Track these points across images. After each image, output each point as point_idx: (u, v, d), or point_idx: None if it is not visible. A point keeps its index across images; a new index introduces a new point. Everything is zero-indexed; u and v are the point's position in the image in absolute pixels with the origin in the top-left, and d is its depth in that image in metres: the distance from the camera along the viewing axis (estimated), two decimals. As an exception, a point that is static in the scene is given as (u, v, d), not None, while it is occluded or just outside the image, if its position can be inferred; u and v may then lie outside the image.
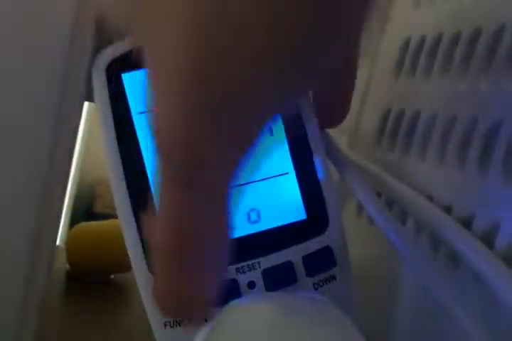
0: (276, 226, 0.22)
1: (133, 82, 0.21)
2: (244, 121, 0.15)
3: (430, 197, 0.23)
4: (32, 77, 0.22)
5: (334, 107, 0.23)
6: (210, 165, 0.15)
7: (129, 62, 0.21)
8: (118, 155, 0.21)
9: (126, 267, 0.22)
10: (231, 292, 0.21)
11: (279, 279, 0.21)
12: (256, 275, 0.21)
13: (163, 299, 0.18)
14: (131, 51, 0.21)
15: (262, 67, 0.14)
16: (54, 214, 0.24)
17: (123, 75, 0.21)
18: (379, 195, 0.27)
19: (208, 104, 0.14)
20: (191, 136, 0.14)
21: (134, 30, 0.15)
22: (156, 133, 0.15)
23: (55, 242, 0.25)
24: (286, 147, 0.22)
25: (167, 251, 0.17)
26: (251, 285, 0.21)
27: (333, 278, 0.22)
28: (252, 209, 0.22)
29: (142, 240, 0.21)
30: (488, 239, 0.20)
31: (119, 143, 0.21)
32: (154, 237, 0.17)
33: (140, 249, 0.21)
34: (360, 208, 0.30)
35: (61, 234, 0.43)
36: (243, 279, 0.21)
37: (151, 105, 0.15)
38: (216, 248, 0.17)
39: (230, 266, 0.21)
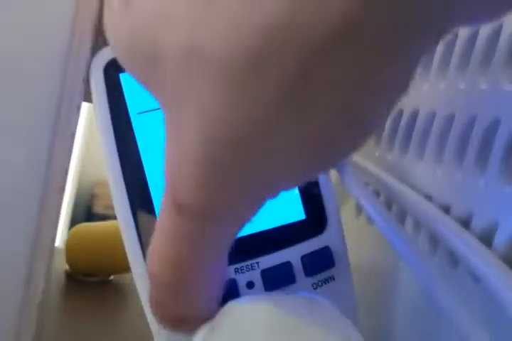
0: (275, 226, 0.22)
1: (131, 82, 0.21)
2: (261, 194, 0.15)
3: (429, 197, 0.23)
4: (30, 77, 0.22)
5: None
6: (220, 221, 0.15)
7: None
8: (116, 156, 0.21)
9: (126, 268, 0.22)
10: (230, 292, 0.21)
11: (277, 279, 0.21)
12: (255, 276, 0.21)
13: (160, 317, 0.18)
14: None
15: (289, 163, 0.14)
16: (53, 215, 0.23)
17: (121, 75, 0.21)
18: (378, 194, 0.27)
19: (232, 184, 0.14)
20: (209, 198, 0.14)
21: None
22: (171, 181, 0.15)
23: (54, 243, 0.25)
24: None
25: (159, 282, 0.16)
26: (250, 285, 0.21)
27: (332, 278, 0.22)
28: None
29: (141, 241, 0.21)
30: (486, 239, 0.20)
31: (117, 144, 0.21)
32: (151, 266, 0.17)
33: (139, 250, 0.21)
34: (359, 208, 0.30)
35: (60, 235, 0.43)
36: (242, 279, 0.21)
37: (168, 153, 0.15)
38: (211, 285, 0.17)
39: (229, 266, 0.21)
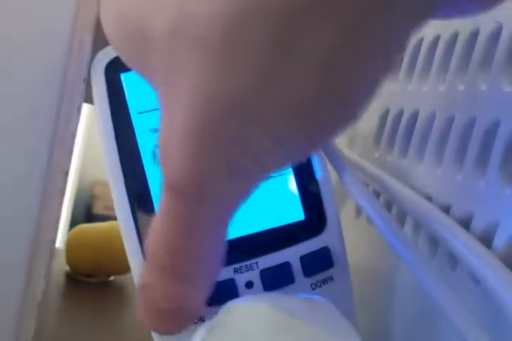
0: (274, 226, 0.22)
1: (132, 81, 0.22)
2: (253, 174, 0.15)
3: (429, 198, 0.23)
4: (31, 78, 0.22)
5: None
6: (211, 201, 0.15)
7: None
8: (117, 156, 0.21)
9: (125, 269, 0.22)
10: (229, 292, 0.21)
11: (276, 279, 0.21)
12: (254, 276, 0.21)
13: (148, 310, 0.17)
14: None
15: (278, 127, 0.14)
16: (53, 216, 0.23)
17: (122, 75, 0.22)
18: (378, 195, 0.27)
19: (221, 157, 0.14)
20: (198, 174, 0.14)
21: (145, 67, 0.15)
22: (163, 162, 0.15)
23: (55, 244, 0.25)
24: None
25: (156, 265, 0.17)
26: (249, 285, 0.21)
27: (331, 278, 0.22)
28: (250, 210, 0.22)
29: (141, 242, 0.21)
30: (486, 240, 0.20)
31: (117, 144, 0.21)
32: (148, 246, 0.17)
33: (139, 251, 0.21)
34: (358, 209, 0.30)
35: (60, 236, 0.43)
36: (241, 279, 0.21)
37: (160, 129, 0.15)
38: (205, 270, 0.17)
39: (228, 266, 0.21)
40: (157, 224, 0.16)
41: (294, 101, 0.13)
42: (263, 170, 0.15)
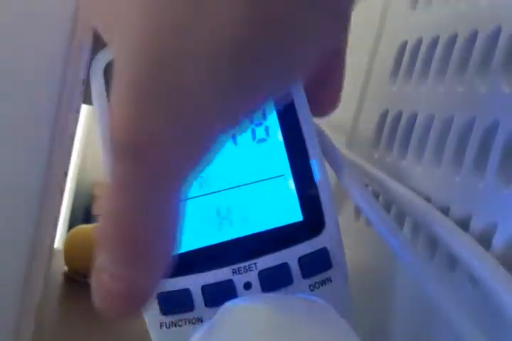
0: (272, 227, 0.22)
1: None
2: (196, 125, 0.14)
3: (428, 199, 0.23)
4: (30, 79, 0.22)
5: (325, 96, 0.23)
6: (155, 164, 0.14)
7: None
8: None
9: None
10: (227, 293, 0.21)
11: (275, 280, 0.21)
12: (252, 277, 0.21)
13: (101, 293, 0.15)
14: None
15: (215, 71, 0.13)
16: (52, 217, 0.24)
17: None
18: (377, 196, 0.27)
19: (156, 103, 0.13)
20: (140, 127, 0.13)
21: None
22: (111, 121, 0.14)
23: (53, 244, 0.25)
24: (283, 148, 0.22)
25: (105, 240, 0.15)
26: (247, 286, 0.21)
27: (329, 279, 0.22)
28: (249, 211, 0.22)
29: None
30: (485, 240, 0.20)
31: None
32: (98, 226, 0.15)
33: None
34: (358, 210, 0.30)
35: (59, 237, 0.43)
36: (239, 280, 0.21)
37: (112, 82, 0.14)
38: (158, 242, 0.15)
39: (227, 267, 0.21)
40: (104, 195, 0.15)
41: (219, 42, 0.13)
42: (207, 125, 0.14)
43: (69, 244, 0.43)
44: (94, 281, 0.15)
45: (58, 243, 0.44)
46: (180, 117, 0.13)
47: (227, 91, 0.13)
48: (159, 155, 0.14)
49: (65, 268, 0.43)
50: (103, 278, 0.15)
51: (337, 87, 0.22)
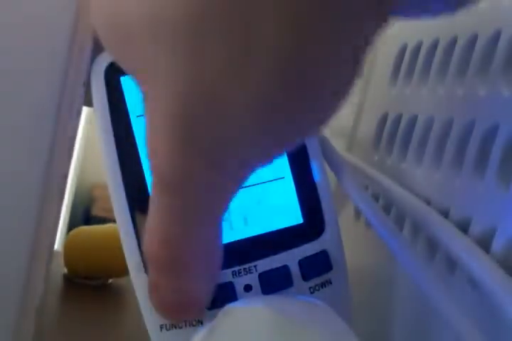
0: (272, 230, 0.22)
1: (131, 85, 0.22)
2: (232, 167, 0.15)
3: (427, 201, 0.23)
4: (30, 81, 0.22)
5: None
6: (197, 194, 0.15)
7: None
8: (116, 159, 0.21)
9: (124, 271, 0.22)
10: (228, 295, 0.21)
11: (275, 283, 0.21)
12: (252, 279, 0.21)
13: (159, 305, 0.18)
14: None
15: (253, 122, 0.14)
16: (52, 219, 0.24)
17: (122, 78, 0.22)
18: (376, 198, 0.27)
19: (197, 148, 0.14)
20: (180, 171, 0.15)
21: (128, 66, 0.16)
22: (151, 156, 0.15)
23: (53, 246, 0.25)
24: (283, 151, 0.22)
25: (156, 262, 0.17)
26: (247, 288, 0.21)
27: (329, 282, 0.22)
28: (249, 213, 0.22)
29: (140, 244, 0.21)
30: (484, 243, 0.20)
31: (117, 147, 0.21)
32: (145, 247, 0.17)
33: (138, 253, 0.21)
34: (358, 212, 0.30)
35: (59, 238, 0.43)
36: (240, 282, 0.21)
37: (147, 128, 0.15)
38: (205, 261, 0.17)
39: (227, 270, 0.21)
40: (151, 221, 0.16)
41: (259, 96, 0.13)
42: (243, 165, 0.15)
43: (69, 246, 0.43)
44: (150, 293, 0.18)
45: (58, 245, 0.44)
46: (220, 161, 0.15)
47: (267, 137, 0.15)
48: (203, 192, 0.15)
49: (65, 270, 0.43)
50: (159, 291, 0.17)
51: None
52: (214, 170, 0.15)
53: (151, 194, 0.16)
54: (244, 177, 0.16)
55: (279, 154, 0.17)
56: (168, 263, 0.17)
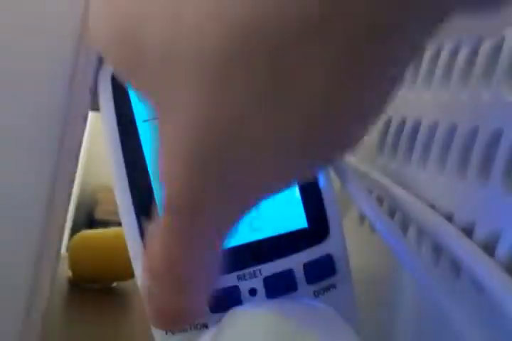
0: (277, 234, 0.22)
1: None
2: (246, 197, 0.15)
3: (431, 206, 0.23)
4: (37, 86, 0.22)
5: None
6: (206, 219, 0.15)
7: None
8: (122, 163, 0.21)
9: (129, 275, 0.22)
10: (232, 299, 0.21)
11: (280, 287, 0.21)
12: (257, 283, 0.21)
13: (157, 316, 0.18)
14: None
15: (270, 157, 0.14)
16: (59, 224, 0.24)
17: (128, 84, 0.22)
18: (381, 202, 0.27)
19: (210, 181, 0.14)
20: (192, 195, 0.14)
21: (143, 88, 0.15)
22: (162, 177, 0.15)
23: (60, 251, 0.25)
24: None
25: (156, 275, 0.17)
26: (252, 292, 0.21)
27: (333, 286, 0.22)
28: (254, 217, 0.22)
29: (145, 248, 0.21)
30: (489, 247, 0.20)
31: (123, 151, 0.21)
32: (147, 259, 0.17)
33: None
34: (362, 216, 0.30)
35: (63, 242, 0.43)
36: (244, 286, 0.21)
37: (161, 150, 0.15)
38: (205, 279, 0.17)
39: (232, 273, 0.21)
40: (157, 237, 0.16)
41: (288, 134, 0.13)
42: (262, 194, 0.15)
43: (73, 250, 0.43)
44: (147, 302, 0.18)
45: (62, 248, 0.44)
46: (231, 189, 0.14)
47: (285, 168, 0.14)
48: (212, 217, 0.15)
49: (69, 273, 0.43)
50: (156, 301, 0.17)
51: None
52: (228, 200, 0.15)
53: (161, 210, 0.16)
54: (255, 205, 0.15)
55: (295, 182, 0.16)
56: (167, 279, 0.17)
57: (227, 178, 0.14)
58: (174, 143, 0.14)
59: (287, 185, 0.16)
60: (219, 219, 0.15)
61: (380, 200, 0.27)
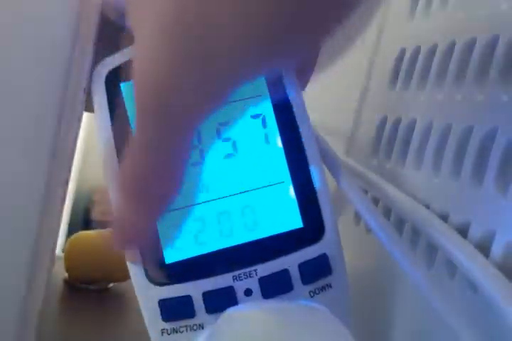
0: (272, 234, 0.22)
1: (132, 91, 0.22)
2: (217, 79, 0.15)
3: (426, 206, 0.23)
4: (32, 87, 0.22)
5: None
6: (176, 110, 0.16)
7: (127, 71, 0.21)
8: (116, 165, 0.21)
9: (125, 276, 0.22)
10: (228, 299, 0.21)
11: (275, 287, 0.21)
12: (253, 283, 0.21)
13: (119, 234, 0.19)
14: (130, 61, 0.21)
15: (247, 33, 0.14)
16: (54, 225, 0.24)
17: (122, 85, 0.22)
18: (376, 202, 0.27)
19: (184, 57, 0.15)
20: (163, 82, 0.15)
21: None
22: (135, 71, 0.16)
23: (55, 252, 0.25)
24: (283, 155, 0.22)
25: (124, 181, 0.18)
26: (248, 292, 0.21)
27: (329, 285, 0.22)
28: (249, 218, 0.22)
29: (143, 254, 0.21)
30: (484, 247, 0.20)
31: (117, 152, 0.21)
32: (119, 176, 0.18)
33: (140, 259, 0.21)
34: (357, 216, 0.30)
35: (59, 243, 0.43)
36: (240, 287, 0.21)
37: (135, 38, 0.16)
38: (166, 185, 0.18)
39: (227, 274, 0.21)
40: (128, 154, 0.17)
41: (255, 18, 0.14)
42: (230, 78, 0.16)
43: (69, 251, 0.43)
44: (114, 222, 0.19)
45: (58, 249, 0.44)
46: (207, 68, 0.15)
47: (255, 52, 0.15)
48: (180, 98, 0.16)
49: (65, 274, 0.43)
50: (121, 220, 0.18)
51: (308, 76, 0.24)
52: (201, 79, 0.15)
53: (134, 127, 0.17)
54: (226, 94, 0.16)
55: (268, 69, 0.17)
56: (134, 192, 0.18)
57: (204, 52, 0.15)
58: (148, 28, 0.15)
59: (265, 68, 0.16)
60: (190, 110, 0.16)
61: (375, 200, 0.27)
